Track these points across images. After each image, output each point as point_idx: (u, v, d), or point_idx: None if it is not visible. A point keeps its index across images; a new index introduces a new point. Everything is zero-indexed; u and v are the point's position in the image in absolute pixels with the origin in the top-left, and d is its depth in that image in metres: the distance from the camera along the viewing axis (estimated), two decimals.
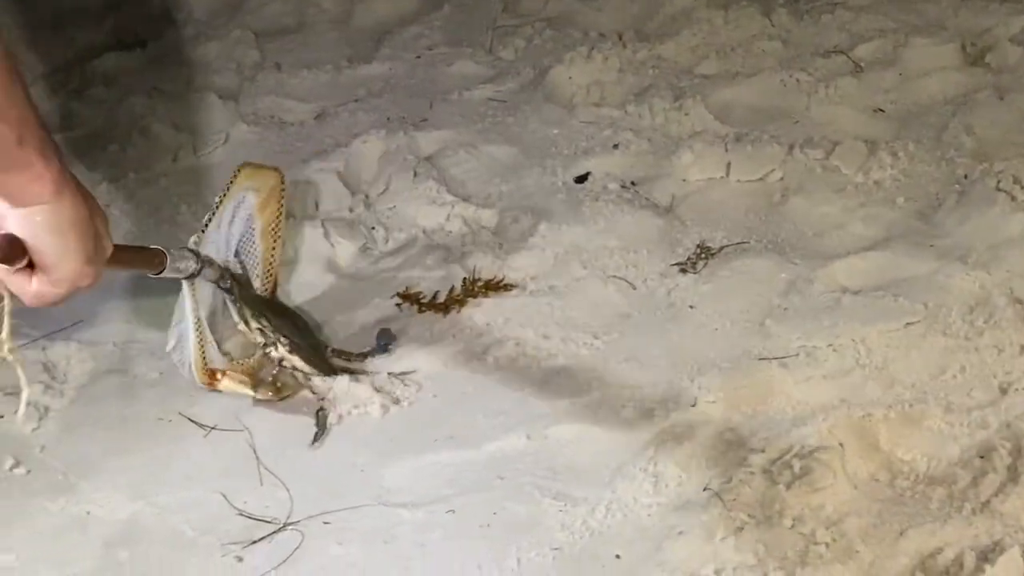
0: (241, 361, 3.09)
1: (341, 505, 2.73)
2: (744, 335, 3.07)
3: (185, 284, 2.95)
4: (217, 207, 3.11)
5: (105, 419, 3.08)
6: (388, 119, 4.19)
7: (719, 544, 2.48)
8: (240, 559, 2.63)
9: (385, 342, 3.20)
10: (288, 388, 3.06)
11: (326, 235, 3.60)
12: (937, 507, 2.54)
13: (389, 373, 3.08)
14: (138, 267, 2.74)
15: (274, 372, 3.07)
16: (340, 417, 2.98)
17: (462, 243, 3.56)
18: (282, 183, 3.30)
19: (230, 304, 3.08)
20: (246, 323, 3.05)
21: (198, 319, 2.99)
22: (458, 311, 3.29)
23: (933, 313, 3.02)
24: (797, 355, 2.93)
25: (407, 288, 3.39)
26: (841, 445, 2.65)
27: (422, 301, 3.34)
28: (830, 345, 2.94)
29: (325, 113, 4.35)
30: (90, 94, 4.65)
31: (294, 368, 3.05)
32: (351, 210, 3.77)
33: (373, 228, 3.66)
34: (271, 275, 3.27)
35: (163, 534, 2.73)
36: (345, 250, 3.60)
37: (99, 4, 5.18)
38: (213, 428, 3.00)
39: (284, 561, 2.60)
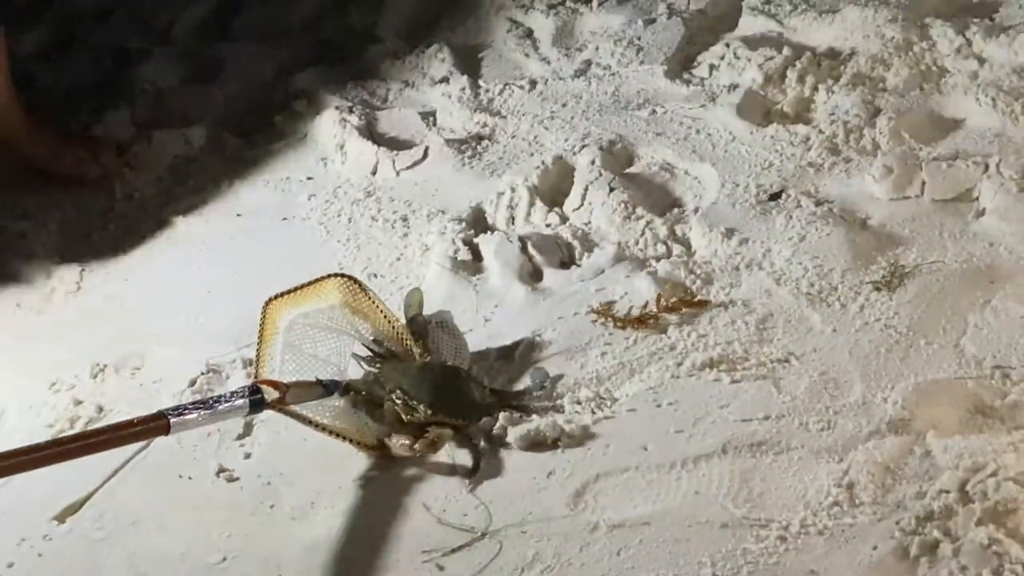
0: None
1: (539, 516, 2.79)
2: (938, 354, 3.07)
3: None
4: (260, 346, 3.12)
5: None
6: (584, 135, 4.24)
7: (913, 562, 2.50)
8: (441, 568, 2.70)
9: (540, 380, 3.23)
10: (444, 438, 3.04)
11: (522, 249, 3.67)
12: None
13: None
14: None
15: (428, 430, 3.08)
16: (524, 436, 3.02)
17: (656, 258, 3.60)
18: (344, 278, 3.24)
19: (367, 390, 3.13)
20: (391, 400, 3.07)
21: (325, 428, 3.06)
22: (653, 326, 3.33)
23: None
24: (993, 376, 2.93)
25: (602, 303, 3.44)
26: None
27: (617, 316, 3.38)
28: None
29: (520, 128, 4.41)
30: (291, 109, 4.77)
31: (442, 424, 3.06)
32: (547, 225, 3.83)
33: (569, 243, 3.72)
34: (403, 342, 3.24)
35: (365, 540, 2.81)
36: (541, 264, 3.66)
37: (301, 20, 5.32)
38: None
39: (483, 568, 2.67)
